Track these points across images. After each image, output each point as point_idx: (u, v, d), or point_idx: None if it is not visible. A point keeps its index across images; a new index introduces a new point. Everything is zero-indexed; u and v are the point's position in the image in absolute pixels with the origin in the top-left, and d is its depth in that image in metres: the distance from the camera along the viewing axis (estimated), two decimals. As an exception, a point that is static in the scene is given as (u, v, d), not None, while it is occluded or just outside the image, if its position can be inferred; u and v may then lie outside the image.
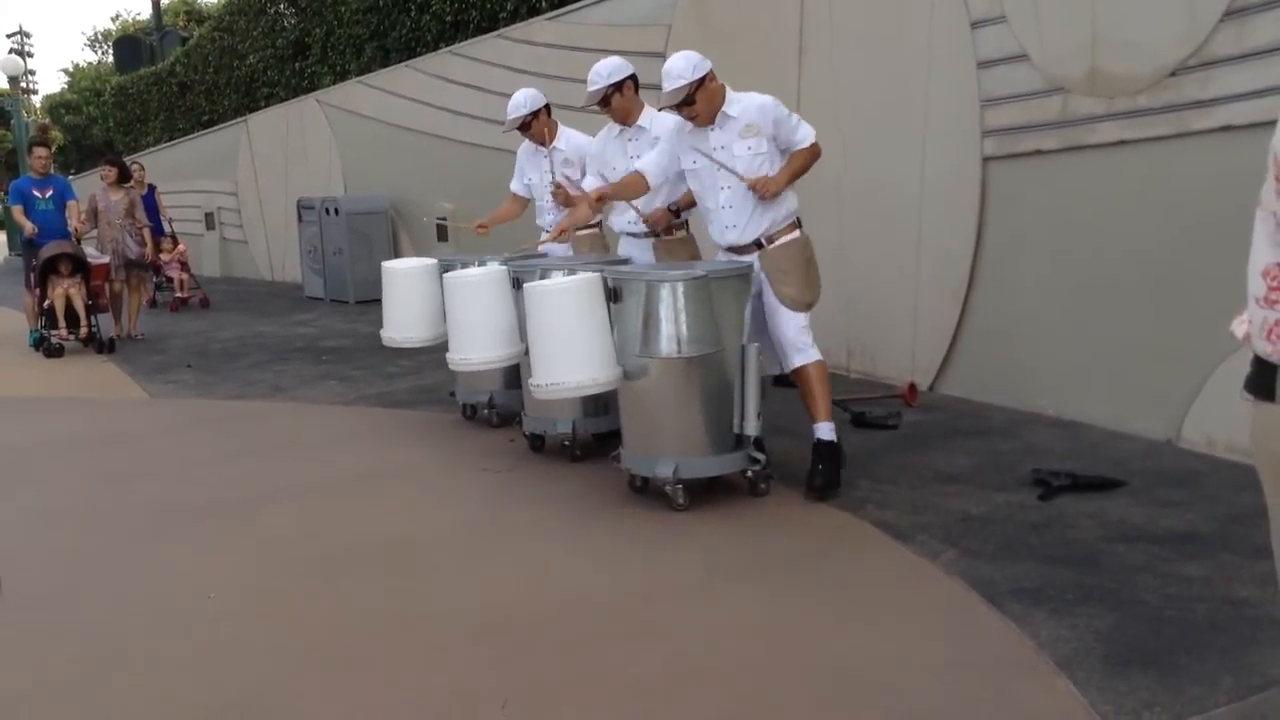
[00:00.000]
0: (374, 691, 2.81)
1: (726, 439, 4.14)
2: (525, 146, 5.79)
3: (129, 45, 26.51)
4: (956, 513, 3.97)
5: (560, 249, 5.62)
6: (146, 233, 10.30)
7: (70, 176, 17.31)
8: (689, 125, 4.27)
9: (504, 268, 4.98)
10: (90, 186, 11.71)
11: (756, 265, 4.25)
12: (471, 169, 10.28)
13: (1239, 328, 1.79)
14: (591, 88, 4.86)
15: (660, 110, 4.46)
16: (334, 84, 14.01)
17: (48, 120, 40.22)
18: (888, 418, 5.30)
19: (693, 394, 4.08)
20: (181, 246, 13.23)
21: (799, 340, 4.24)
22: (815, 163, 4.28)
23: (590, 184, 5.08)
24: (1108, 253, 4.94)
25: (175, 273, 12.87)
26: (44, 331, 9.22)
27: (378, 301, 5.99)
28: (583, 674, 2.87)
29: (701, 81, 4.11)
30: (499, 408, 5.64)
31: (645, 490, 4.34)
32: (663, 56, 6.70)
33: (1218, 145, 4.39)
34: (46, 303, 9.17)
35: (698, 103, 4.14)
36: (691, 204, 4.70)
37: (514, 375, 5.32)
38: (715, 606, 3.27)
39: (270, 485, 4.82)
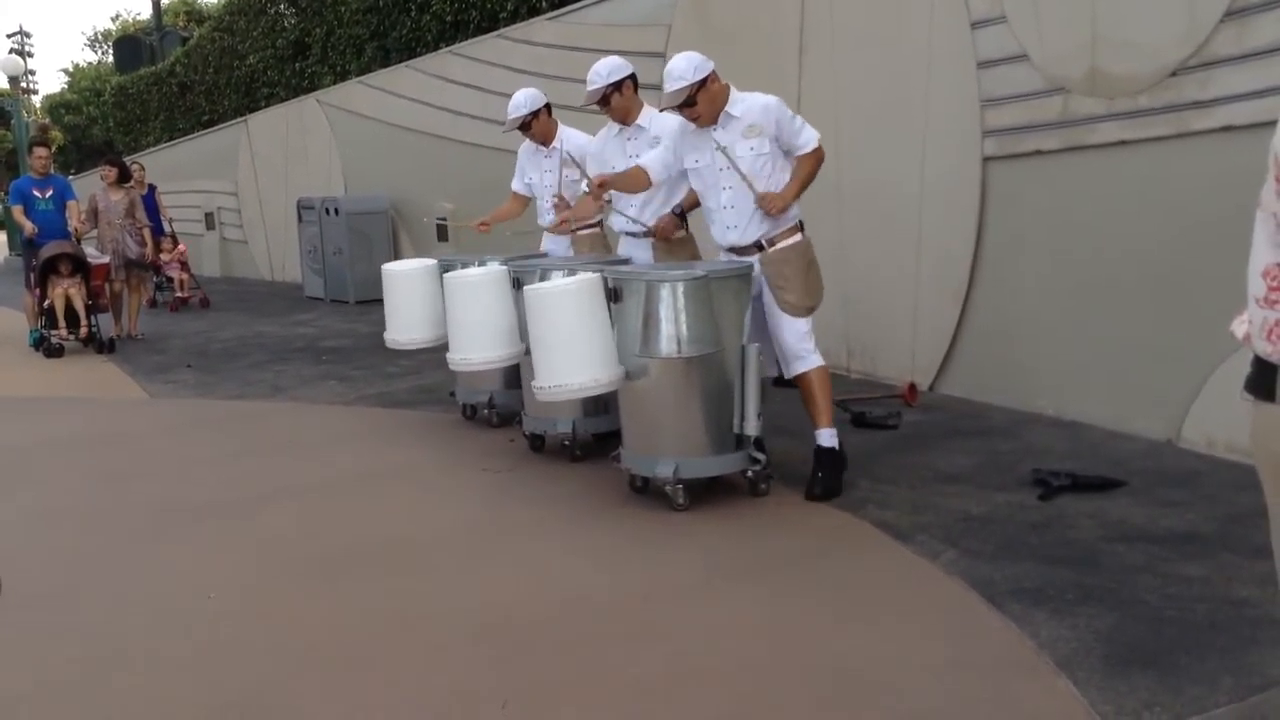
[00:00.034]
0: (374, 691, 2.81)
1: (727, 439, 4.13)
2: (526, 146, 5.80)
3: (129, 45, 26.52)
4: (956, 513, 3.97)
5: (561, 244, 5.62)
6: (146, 233, 10.31)
7: (70, 176, 17.32)
8: (692, 125, 4.27)
9: (504, 268, 4.99)
10: (90, 186, 11.71)
11: (757, 268, 4.25)
12: (471, 169, 10.28)
13: (1239, 328, 1.79)
14: (591, 87, 4.86)
15: (661, 111, 4.46)
16: (334, 84, 14.02)
17: (48, 120, 40.21)
18: (888, 418, 5.30)
19: (693, 394, 4.08)
20: (181, 246, 13.23)
21: (799, 348, 4.23)
22: (820, 168, 4.28)
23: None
24: (1108, 253, 4.94)
25: (175, 273, 12.87)
26: (44, 331, 9.21)
27: (378, 302, 6.00)
28: (583, 674, 2.87)
29: (703, 83, 4.10)
30: (499, 408, 5.64)
31: (645, 490, 4.35)
32: (663, 56, 6.71)
33: (1218, 145, 4.39)
34: (46, 303, 9.16)
35: (699, 104, 4.13)
36: (695, 205, 4.70)
37: (514, 375, 5.32)
38: (715, 606, 3.27)
39: (270, 485, 4.82)
